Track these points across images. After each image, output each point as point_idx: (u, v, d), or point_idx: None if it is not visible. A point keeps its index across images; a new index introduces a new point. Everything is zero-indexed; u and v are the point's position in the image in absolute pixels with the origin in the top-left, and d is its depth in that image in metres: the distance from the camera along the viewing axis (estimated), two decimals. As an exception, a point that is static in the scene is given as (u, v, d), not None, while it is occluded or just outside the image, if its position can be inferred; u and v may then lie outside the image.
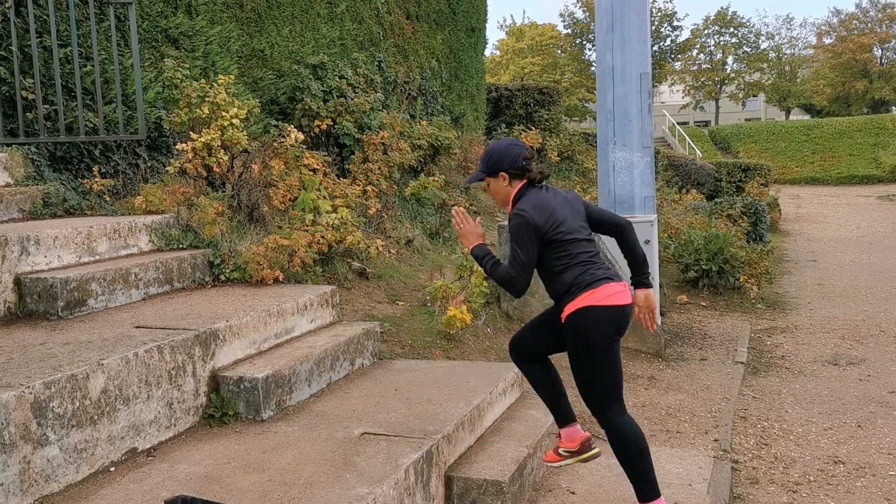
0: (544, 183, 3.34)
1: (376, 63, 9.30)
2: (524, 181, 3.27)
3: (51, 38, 5.10)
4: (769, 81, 52.61)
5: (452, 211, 3.46)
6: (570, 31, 47.13)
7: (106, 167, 5.54)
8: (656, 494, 3.19)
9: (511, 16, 66.71)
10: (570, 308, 3.16)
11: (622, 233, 3.34)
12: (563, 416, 3.47)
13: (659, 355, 6.68)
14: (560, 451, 3.47)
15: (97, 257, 4.24)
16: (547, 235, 3.14)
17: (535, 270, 3.22)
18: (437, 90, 11.19)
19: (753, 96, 55.77)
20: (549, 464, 3.54)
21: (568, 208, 3.24)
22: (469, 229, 3.34)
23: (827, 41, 52.41)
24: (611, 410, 3.20)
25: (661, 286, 7.93)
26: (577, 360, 3.20)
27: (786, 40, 55.24)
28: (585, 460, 3.46)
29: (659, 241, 8.20)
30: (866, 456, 4.58)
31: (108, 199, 5.33)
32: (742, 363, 6.53)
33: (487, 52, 15.20)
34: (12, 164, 4.94)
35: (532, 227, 3.12)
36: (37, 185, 4.95)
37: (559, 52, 47.96)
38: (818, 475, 4.33)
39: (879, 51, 50.50)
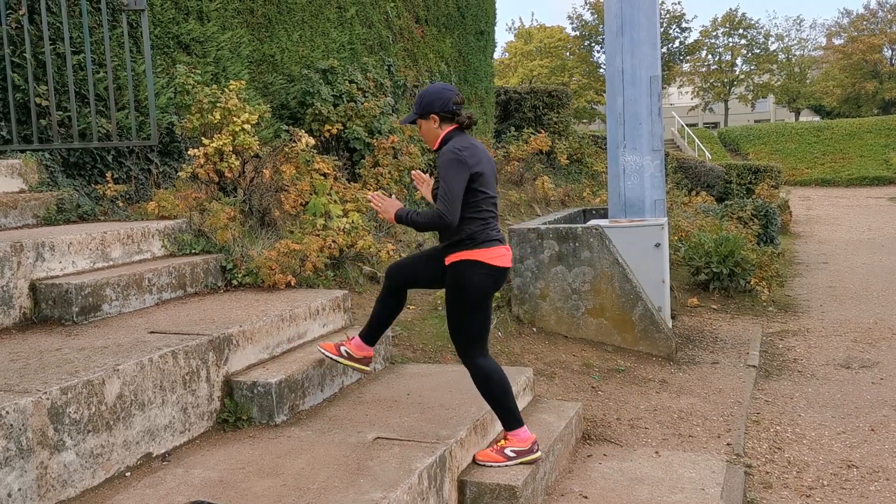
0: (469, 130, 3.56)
1: (386, 67, 9.32)
2: (454, 125, 3.49)
3: (64, 45, 5.14)
4: (779, 83, 52.43)
5: (369, 196, 3.62)
6: (578, 33, 47.07)
7: (119, 173, 5.58)
8: (520, 423, 3.54)
9: (519, 18, 66.79)
10: (459, 256, 3.41)
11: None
12: (373, 338, 3.74)
13: (670, 359, 6.67)
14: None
15: (111, 263, 4.27)
16: (473, 177, 3.37)
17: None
18: (447, 94, 11.19)
19: (763, 97, 55.59)
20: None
21: (489, 164, 3.47)
22: (389, 203, 3.52)
23: (837, 42, 52.21)
24: (475, 352, 3.47)
25: (671, 289, 7.91)
26: (453, 305, 3.45)
27: (795, 41, 55.06)
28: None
29: (669, 244, 8.19)
30: (880, 460, 4.56)
31: (120, 204, 5.37)
32: (754, 366, 6.51)
33: (496, 55, 15.21)
34: (27, 170, 4.97)
35: (464, 165, 3.33)
36: (51, 191, 4.98)
37: (567, 54, 47.92)
38: (831, 479, 4.31)
39: (890, 51, 50.26)
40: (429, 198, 3.68)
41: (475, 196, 3.39)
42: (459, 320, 3.46)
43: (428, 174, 3.74)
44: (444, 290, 3.56)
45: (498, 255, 3.43)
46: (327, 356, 3.74)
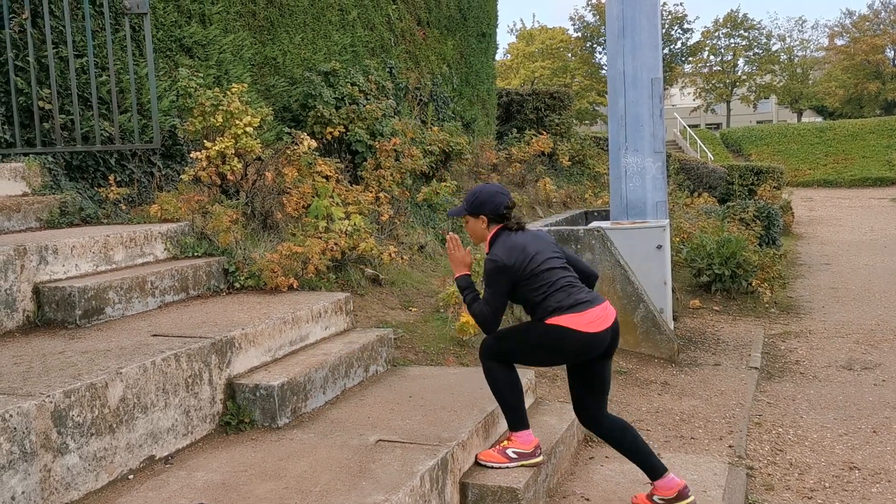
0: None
1: (388, 69, 9.34)
2: (500, 225, 3.49)
3: (67, 49, 5.16)
4: (781, 83, 52.40)
5: (447, 237, 3.64)
6: (580, 34, 47.09)
7: (121, 176, 5.59)
8: (526, 426, 3.53)
9: (521, 20, 66.74)
10: (553, 321, 3.34)
11: (588, 285, 3.58)
12: (653, 470, 3.48)
13: (672, 360, 6.67)
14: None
15: (114, 266, 4.29)
16: (522, 271, 3.36)
17: (524, 308, 3.49)
18: (448, 96, 11.22)
19: (765, 98, 55.57)
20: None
21: (539, 242, 3.47)
22: (459, 257, 3.58)
23: (839, 42, 52.18)
24: (501, 362, 3.47)
25: (673, 291, 7.91)
26: (524, 343, 3.42)
27: (797, 42, 55.05)
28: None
29: (671, 246, 8.19)
30: (882, 462, 4.56)
31: (123, 207, 5.38)
32: (756, 368, 6.51)
33: (498, 57, 15.22)
34: (29, 173, 4.99)
35: (503, 272, 3.34)
36: (53, 194, 5.00)
37: (569, 55, 47.93)
38: (833, 481, 4.31)
39: (892, 52, 50.22)
40: (455, 274, 3.59)
41: (537, 279, 3.36)
42: (514, 345, 3.44)
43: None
44: (523, 329, 3.54)
45: (591, 321, 3.32)
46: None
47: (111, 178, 5.42)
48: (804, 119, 53.75)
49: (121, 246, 4.36)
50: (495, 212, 3.48)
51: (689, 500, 3.44)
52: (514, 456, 3.50)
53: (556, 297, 3.35)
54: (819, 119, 51.91)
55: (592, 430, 3.60)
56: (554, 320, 3.33)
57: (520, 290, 3.40)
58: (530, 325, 3.46)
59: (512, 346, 3.46)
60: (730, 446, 4.74)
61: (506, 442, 3.56)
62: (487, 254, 3.45)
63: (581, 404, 3.56)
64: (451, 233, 3.71)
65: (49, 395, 2.65)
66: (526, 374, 4.41)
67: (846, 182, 34.04)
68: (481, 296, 3.46)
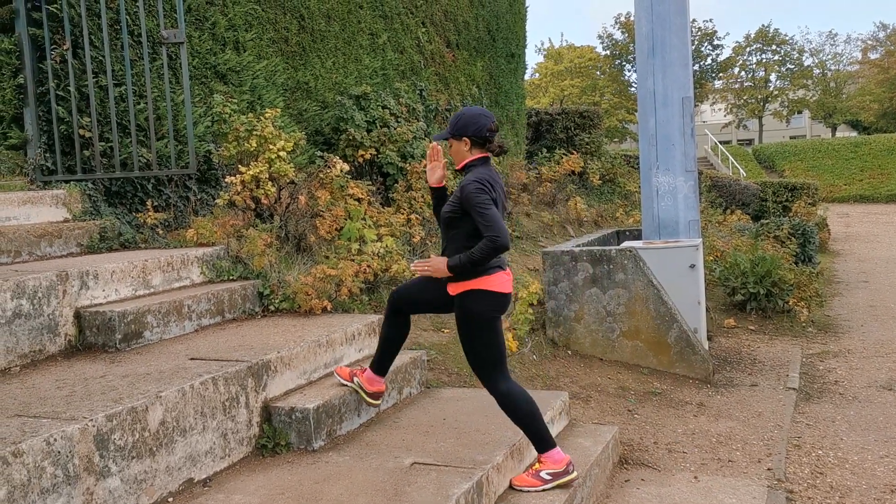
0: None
1: (418, 92, 9.42)
2: (484, 152, 3.56)
3: (106, 78, 5.29)
4: (814, 98, 51.80)
5: (413, 267, 3.64)
6: (608, 52, 47.10)
7: (158, 201, 5.70)
8: (552, 445, 3.54)
9: (549, 39, 66.87)
10: (463, 286, 3.48)
11: None
12: (382, 368, 3.83)
13: (707, 381, 6.59)
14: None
15: (152, 290, 4.37)
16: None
17: (442, 229, 3.62)
18: (478, 116, 11.25)
19: (798, 113, 54.96)
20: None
21: (501, 192, 3.54)
22: (435, 262, 3.53)
23: (873, 56, 51.51)
24: (497, 377, 3.52)
25: (707, 310, 7.84)
26: (466, 336, 3.53)
27: (830, 56, 54.43)
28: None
29: (704, 265, 8.12)
30: (926, 485, 4.45)
31: (160, 232, 5.48)
32: (794, 389, 6.41)
33: (526, 77, 15.28)
34: (70, 200, 5.11)
35: (488, 193, 3.40)
36: (93, 219, 5.11)
37: (598, 73, 47.91)
38: (876, 505, 4.22)
39: (928, 65, 49.41)
40: (444, 272, 3.51)
41: None
42: (474, 349, 3.52)
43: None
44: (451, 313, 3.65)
45: (502, 282, 3.50)
46: (340, 381, 3.85)
47: (149, 203, 5.53)
48: (839, 134, 53.02)
49: (158, 270, 4.44)
50: (478, 133, 3.51)
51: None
52: (549, 477, 3.49)
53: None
54: (854, 134, 51.15)
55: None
56: (481, 283, 3.43)
57: (465, 221, 3.46)
58: (468, 321, 3.51)
59: (481, 347, 3.50)
60: (768, 469, 4.66)
61: (537, 465, 3.55)
62: (465, 178, 3.48)
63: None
64: (414, 263, 3.67)
65: (92, 419, 2.70)
66: (560, 396, 4.40)
67: (883, 197, 33.45)
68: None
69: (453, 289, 3.55)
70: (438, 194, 3.76)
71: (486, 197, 3.38)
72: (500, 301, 3.51)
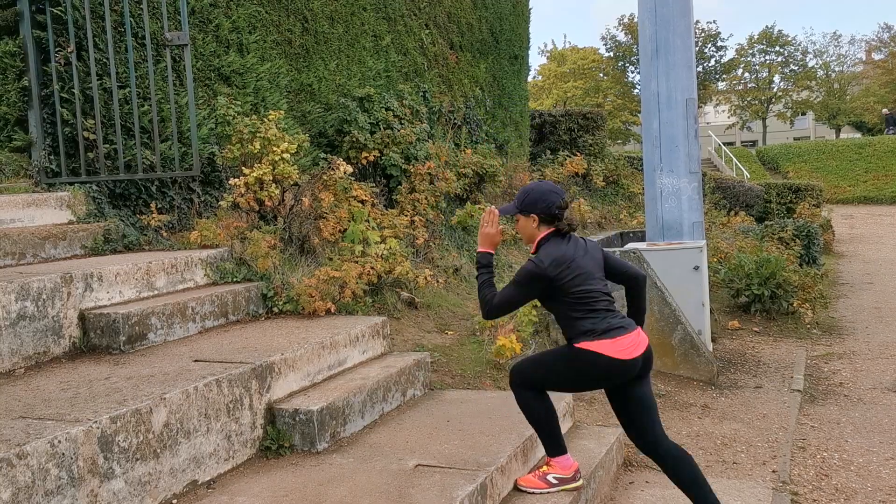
0: (571, 233, 3.47)
1: (421, 94, 9.42)
2: (552, 228, 3.41)
3: (110, 80, 5.30)
4: (818, 99, 51.69)
5: (486, 210, 3.55)
6: (611, 54, 47.04)
7: (162, 203, 5.71)
8: (563, 451, 3.51)
9: (552, 41, 66.57)
10: (583, 345, 3.30)
11: (636, 285, 3.54)
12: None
13: (712, 383, 6.58)
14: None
15: (156, 292, 4.37)
16: (561, 284, 3.29)
17: (553, 315, 3.45)
18: (481, 118, 11.27)
19: (802, 115, 54.83)
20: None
21: (588, 259, 3.39)
22: (489, 233, 3.49)
23: (877, 57, 51.38)
24: (532, 389, 3.42)
25: (711, 312, 7.82)
26: (552, 367, 3.39)
27: (834, 57, 54.32)
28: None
29: (708, 266, 8.10)
30: (932, 487, 4.44)
31: (164, 234, 5.49)
32: (799, 391, 6.39)
33: (529, 78, 15.28)
34: (74, 202, 5.12)
35: (540, 279, 3.28)
36: (97, 221, 5.12)
37: (601, 75, 47.87)
38: (882, 508, 4.21)
39: (932, 66, 49.30)
40: (479, 249, 3.52)
41: (577, 297, 3.31)
42: (543, 370, 3.40)
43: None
44: (551, 354, 3.51)
45: (624, 348, 3.29)
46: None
47: (152, 205, 5.54)
48: (843, 135, 52.88)
49: (162, 272, 4.44)
50: (547, 211, 3.38)
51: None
52: (555, 482, 3.48)
53: (591, 320, 3.31)
54: (858, 135, 51.03)
55: (651, 455, 3.49)
56: (585, 345, 3.29)
57: (554, 301, 3.36)
58: (559, 351, 3.44)
59: (541, 374, 3.42)
60: (773, 471, 4.65)
61: (545, 468, 3.54)
62: (533, 254, 3.39)
63: (630, 430, 3.50)
64: (491, 206, 3.63)
65: (96, 421, 2.70)
66: (564, 398, 4.39)
67: (887, 199, 33.33)
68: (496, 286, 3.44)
69: (575, 343, 3.35)
70: (491, 259, 3.55)
71: (527, 283, 3.29)
72: (618, 369, 3.30)
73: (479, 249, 3.52)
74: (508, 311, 3.40)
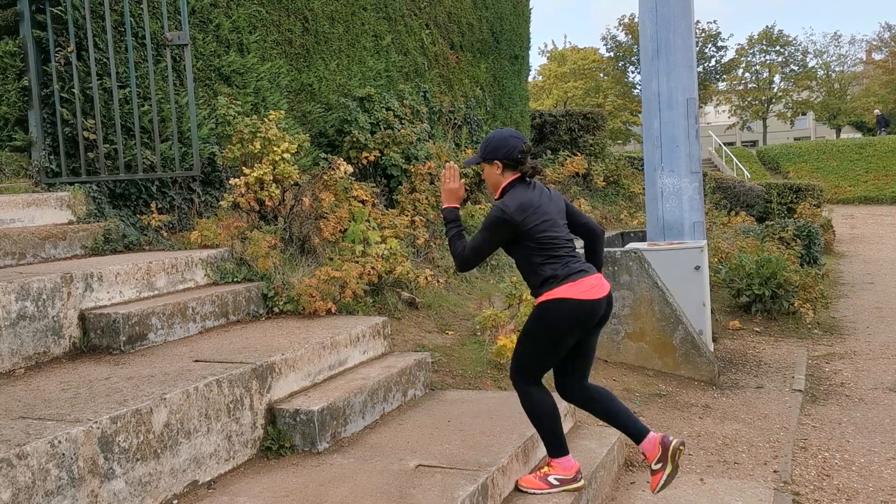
0: (534, 179, 3.51)
1: (421, 94, 9.42)
2: (517, 174, 3.43)
3: (110, 80, 5.30)
4: (818, 100, 51.67)
5: (446, 166, 3.57)
6: (612, 54, 47.01)
7: (162, 203, 5.70)
8: (565, 452, 3.49)
9: (552, 41, 66.53)
10: (546, 296, 3.34)
11: (594, 237, 3.62)
12: (637, 433, 3.53)
13: (713, 383, 6.57)
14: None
15: (156, 292, 4.36)
16: (528, 231, 3.31)
17: (516, 263, 3.47)
18: (482, 118, 11.27)
19: (802, 115, 54.80)
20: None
21: (552, 206, 3.43)
22: (452, 188, 3.53)
23: (877, 57, 51.35)
24: (532, 383, 3.44)
25: (712, 312, 7.81)
26: (529, 336, 3.41)
27: (834, 58, 54.28)
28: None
29: (709, 266, 8.09)
30: (934, 488, 4.43)
31: (164, 234, 5.48)
32: (800, 391, 6.38)
33: (530, 78, 15.29)
34: (74, 202, 5.11)
35: (506, 224, 3.31)
36: (98, 221, 5.11)
37: (602, 75, 47.84)
38: (884, 508, 4.20)
39: (933, 66, 49.26)
40: (444, 205, 3.55)
41: (541, 243, 3.33)
42: (530, 352, 3.42)
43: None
44: (524, 329, 3.49)
45: (588, 288, 3.33)
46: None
47: (153, 205, 5.53)
48: (843, 135, 52.85)
49: (163, 272, 4.43)
50: (509, 156, 3.39)
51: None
52: (556, 483, 3.47)
53: (553, 266, 3.34)
54: (858, 135, 51.01)
55: (575, 401, 3.57)
56: (548, 294, 3.32)
57: (519, 247, 3.38)
58: (531, 318, 3.43)
59: (526, 349, 3.43)
60: (775, 471, 4.64)
61: (546, 468, 3.53)
62: (497, 199, 3.41)
63: (569, 377, 3.53)
64: (451, 162, 3.64)
65: (96, 421, 2.70)
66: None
67: (888, 199, 33.31)
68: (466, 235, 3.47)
69: (538, 298, 3.40)
70: (457, 213, 3.58)
71: (494, 229, 3.31)
72: (585, 309, 3.32)
73: (445, 205, 3.54)
74: (481, 258, 3.40)
